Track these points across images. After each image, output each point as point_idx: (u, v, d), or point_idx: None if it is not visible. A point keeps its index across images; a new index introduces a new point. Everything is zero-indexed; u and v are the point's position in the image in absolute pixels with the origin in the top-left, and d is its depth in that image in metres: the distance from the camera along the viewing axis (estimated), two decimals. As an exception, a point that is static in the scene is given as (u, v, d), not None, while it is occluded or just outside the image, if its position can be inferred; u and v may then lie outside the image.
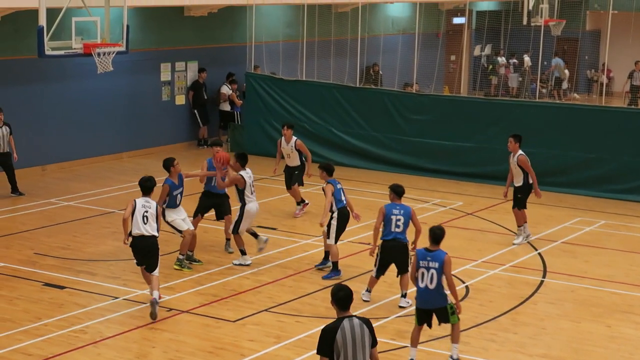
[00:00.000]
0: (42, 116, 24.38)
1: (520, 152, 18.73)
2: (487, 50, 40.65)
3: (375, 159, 25.95)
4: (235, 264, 16.97)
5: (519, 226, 18.99)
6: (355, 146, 26.24)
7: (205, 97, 28.77)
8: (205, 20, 28.52)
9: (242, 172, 16.76)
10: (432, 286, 12.38)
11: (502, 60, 39.89)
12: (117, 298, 15.14)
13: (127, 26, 18.93)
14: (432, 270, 12.37)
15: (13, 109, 23.17)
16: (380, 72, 33.80)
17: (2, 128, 21.35)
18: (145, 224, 14.30)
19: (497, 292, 16.01)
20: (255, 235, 17.28)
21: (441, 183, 24.05)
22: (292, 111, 26.98)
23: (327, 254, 16.83)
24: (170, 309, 14.63)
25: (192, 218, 17.26)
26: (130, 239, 14.41)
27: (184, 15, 27.91)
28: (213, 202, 17.68)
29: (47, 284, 15.73)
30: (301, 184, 20.96)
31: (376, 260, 15.11)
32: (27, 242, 18.04)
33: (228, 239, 17.72)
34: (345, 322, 8.88)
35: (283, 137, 20.98)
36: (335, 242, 16.52)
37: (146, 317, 14.22)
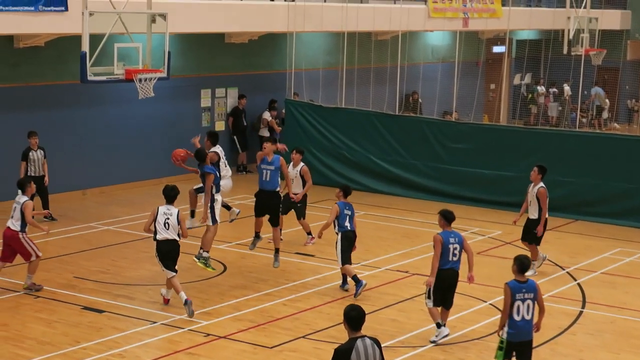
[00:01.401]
0: (83, 141, 24.59)
1: (541, 184, 18.43)
2: (527, 79, 40.57)
3: (413, 187, 25.92)
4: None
5: (533, 260, 18.34)
6: (394, 174, 26.23)
7: (245, 124, 28.88)
8: (245, 47, 28.67)
9: (213, 149, 18.11)
10: (529, 317, 12.13)
11: (541, 89, 39.78)
12: (155, 322, 15.18)
13: (169, 52, 19.04)
14: (528, 301, 12.09)
15: (55, 133, 23.41)
16: (420, 100, 33.81)
17: (37, 152, 21.49)
18: (167, 229, 15.37)
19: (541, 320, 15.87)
20: (227, 207, 18.48)
21: (480, 212, 23.96)
22: (330, 138, 27.03)
23: (344, 276, 17.23)
24: (208, 334, 14.66)
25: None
26: (155, 242, 15.49)
27: (224, 42, 28.09)
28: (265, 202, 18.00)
29: (86, 308, 15.82)
30: (304, 217, 20.56)
31: (429, 290, 14.49)
32: (67, 265, 18.15)
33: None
34: (359, 343, 9.03)
35: (291, 162, 20.44)
36: (344, 263, 16.87)
37: (184, 342, 14.26)
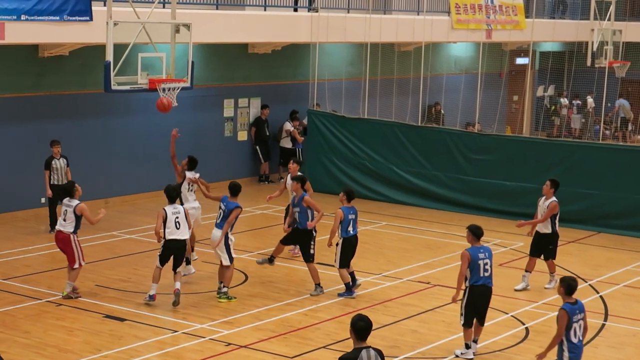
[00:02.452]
0: (106, 150, 24.69)
1: (554, 198, 18.12)
2: (550, 91, 40.45)
3: (435, 198, 25.89)
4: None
5: (552, 273, 18.35)
6: (416, 185, 26.21)
7: (267, 134, 28.93)
8: (268, 58, 28.74)
9: (188, 174, 18.42)
10: (582, 338, 12.08)
11: (564, 101, 39.67)
12: (176, 331, 15.22)
13: (192, 62, 19.11)
14: (581, 322, 12.03)
15: (78, 142, 23.52)
16: (442, 111, 33.79)
17: (60, 160, 21.59)
18: (178, 229, 16.28)
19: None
20: (188, 261, 18.02)
21: (502, 223, 23.90)
22: (353, 149, 27.05)
23: (353, 276, 17.47)
24: (229, 344, 14.68)
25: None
26: (163, 240, 16.30)
27: (248, 52, 28.16)
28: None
29: (107, 316, 15.87)
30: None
31: (462, 308, 14.28)
32: (89, 274, 18.21)
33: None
34: (364, 353, 9.09)
35: (289, 174, 19.90)
36: (341, 266, 17.11)
37: (205, 351, 14.29)
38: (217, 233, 16.67)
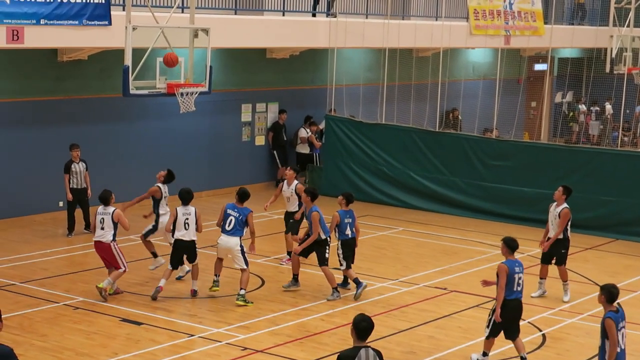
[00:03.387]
0: (124, 154, 24.75)
1: (566, 205, 17.83)
2: (569, 97, 40.36)
3: (452, 204, 25.86)
4: (152, 269, 18.60)
5: (564, 281, 18.08)
6: (434, 191, 26.19)
7: (285, 138, 28.95)
8: (286, 63, 28.78)
9: (161, 185, 18.76)
10: (624, 346, 11.96)
11: (582, 107, 39.57)
12: (192, 335, 15.24)
13: (211, 67, 19.14)
14: (623, 330, 11.94)
15: (96, 146, 23.60)
16: (460, 117, 33.75)
17: (79, 164, 21.68)
18: (187, 229, 16.96)
19: (575, 341, 15.80)
20: (155, 254, 18.61)
21: (519, 229, 23.82)
22: (370, 154, 27.05)
23: (345, 278, 17.94)
24: (245, 348, 14.70)
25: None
26: (173, 240, 17.11)
27: (266, 57, 28.20)
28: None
29: (124, 320, 15.91)
30: (295, 233, 19.50)
31: (490, 320, 14.02)
32: (106, 277, 18.22)
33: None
34: (362, 352, 9.18)
35: (285, 180, 19.87)
36: (348, 267, 17.53)
37: (221, 356, 14.31)
38: (230, 240, 16.84)
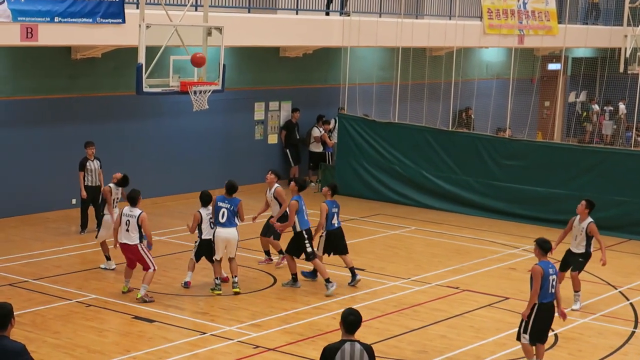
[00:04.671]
0: (137, 152, 24.79)
1: (590, 219, 17.28)
2: (582, 97, 40.27)
3: (465, 203, 25.83)
4: (102, 268, 18.82)
5: (576, 291, 17.55)
6: (446, 190, 26.16)
7: (298, 137, 28.96)
8: (300, 61, 28.79)
9: (113, 187, 19.08)
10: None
11: (596, 107, 39.48)
12: (204, 333, 15.26)
13: (224, 65, 19.16)
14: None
15: (109, 144, 23.64)
16: (473, 116, 33.71)
17: (94, 162, 21.70)
18: (212, 229, 17.36)
19: (587, 341, 15.77)
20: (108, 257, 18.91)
21: (532, 229, 23.80)
22: (383, 153, 27.03)
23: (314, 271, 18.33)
24: (257, 347, 14.70)
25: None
26: (199, 240, 17.51)
27: (279, 55, 28.22)
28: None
29: (136, 317, 15.93)
30: (277, 237, 19.17)
31: (527, 324, 13.59)
32: (119, 275, 18.28)
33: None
34: (347, 345, 9.16)
35: (270, 188, 19.24)
36: (322, 254, 17.97)
37: (233, 354, 14.32)
38: (229, 231, 17.31)
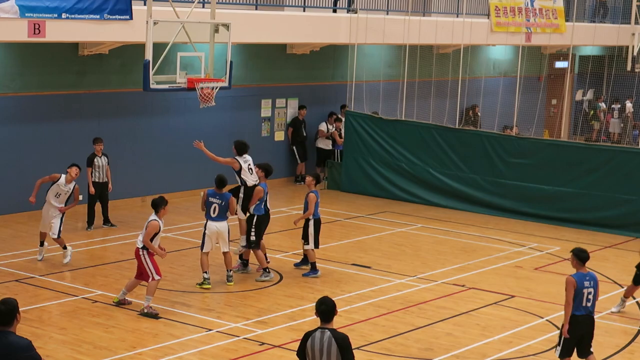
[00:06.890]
0: (144, 148, 24.81)
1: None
2: (589, 95, 40.23)
3: (472, 201, 25.80)
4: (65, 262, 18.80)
5: (625, 297, 17.29)
6: (453, 187, 26.13)
7: (304, 134, 28.96)
8: (307, 58, 28.78)
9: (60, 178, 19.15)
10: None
11: (603, 105, 39.44)
12: (210, 330, 15.27)
13: (231, 62, 19.17)
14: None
15: (117, 140, 23.66)
16: (479, 114, 33.69)
17: (102, 158, 21.72)
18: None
19: (594, 340, 15.70)
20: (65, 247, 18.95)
21: (539, 227, 23.80)
22: (390, 150, 27.01)
23: (305, 256, 18.75)
24: (263, 343, 14.71)
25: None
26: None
27: (286, 52, 28.21)
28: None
29: (143, 314, 15.94)
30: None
31: (561, 338, 13.23)
32: (125, 271, 18.30)
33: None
34: (318, 332, 9.57)
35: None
36: (315, 246, 18.43)
37: (239, 350, 14.32)
38: (220, 225, 17.52)
